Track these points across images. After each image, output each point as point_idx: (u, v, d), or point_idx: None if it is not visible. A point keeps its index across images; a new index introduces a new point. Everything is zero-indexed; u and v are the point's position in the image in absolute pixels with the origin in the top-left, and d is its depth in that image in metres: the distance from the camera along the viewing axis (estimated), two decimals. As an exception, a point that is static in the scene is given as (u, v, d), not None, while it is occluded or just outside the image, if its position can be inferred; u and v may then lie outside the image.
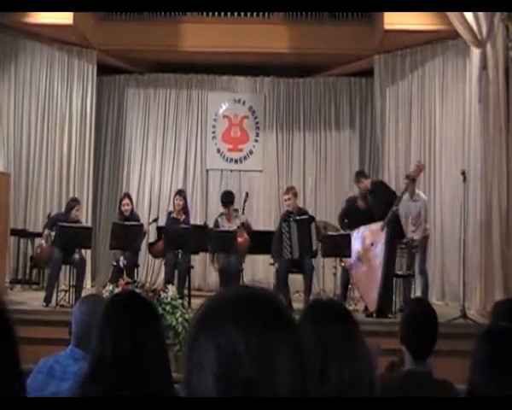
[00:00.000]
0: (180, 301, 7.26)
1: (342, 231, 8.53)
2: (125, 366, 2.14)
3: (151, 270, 11.11)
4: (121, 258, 8.55)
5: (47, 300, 8.10)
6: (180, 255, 8.71)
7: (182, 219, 9.17)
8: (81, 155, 10.87)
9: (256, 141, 11.80)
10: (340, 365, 1.71)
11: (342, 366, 1.71)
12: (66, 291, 8.45)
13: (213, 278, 10.55)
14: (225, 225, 9.05)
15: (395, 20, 9.47)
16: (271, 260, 9.17)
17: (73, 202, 8.86)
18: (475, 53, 8.71)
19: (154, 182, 11.70)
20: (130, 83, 11.93)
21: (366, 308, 8.07)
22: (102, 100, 11.75)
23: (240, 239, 8.68)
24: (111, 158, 11.81)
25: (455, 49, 9.87)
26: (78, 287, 8.25)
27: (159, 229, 9.29)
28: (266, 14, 10.59)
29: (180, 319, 6.95)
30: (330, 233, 8.70)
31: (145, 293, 6.73)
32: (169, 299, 7.12)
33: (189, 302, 8.20)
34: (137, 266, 9.16)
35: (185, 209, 9.31)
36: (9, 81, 10.44)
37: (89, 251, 9.74)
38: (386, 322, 7.46)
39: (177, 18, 10.71)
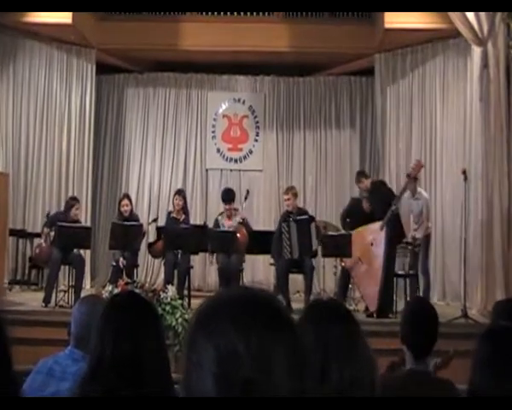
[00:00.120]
0: (180, 301, 7.27)
1: (343, 231, 8.52)
2: (124, 367, 2.14)
3: (150, 270, 11.10)
4: (121, 258, 8.54)
5: (46, 300, 8.09)
6: (179, 255, 8.69)
7: (182, 219, 9.16)
8: (80, 155, 10.85)
9: (256, 140, 11.77)
10: (340, 365, 1.70)
11: (343, 366, 1.70)
12: (65, 292, 8.44)
13: (213, 278, 10.54)
14: (225, 224, 9.04)
15: (395, 19, 9.45)
16: (271, 261, 9.17)
17: (73, 201, 8.84)
18: (476, 51, 8.70)
19: (153, 182, 11.68)
20: (129, 82, 11.90)
21: (367, 308, 8.06)
22: (102, 99, 11.73)
23: (239, 235, 8.67)
24: (110, 158, 11.78)
25: (456, 47, 9.85)
26: (78, 287, 8.23)
27: (158, 229, 9.28)
28: (266, 13, 10.57)
29: (180, 320, 6.94)
30: (331, 233, 8.68)
31: (145, 293, 6.72)
32: (169, 299, 7.12)
33: (189, 303, 8.19)
34: (137, 266, 9.15)
35: (185, 209, 9.30)
36: (8, 81, 10.42)
37: (88, 251, 9.73)
38: (387, 322, 7.44)
39: (176, 17, 10.69)
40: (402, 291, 8.57)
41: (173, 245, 8.67)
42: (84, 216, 10.23)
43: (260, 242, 9.06)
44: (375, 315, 7.79)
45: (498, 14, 8.30)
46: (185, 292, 8.50)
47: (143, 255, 10.27)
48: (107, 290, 7.19)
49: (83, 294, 7.43)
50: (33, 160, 10.60)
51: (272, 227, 9.69)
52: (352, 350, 1.74)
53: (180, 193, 9.41)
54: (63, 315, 6.94)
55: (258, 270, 11.02)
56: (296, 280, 9.19)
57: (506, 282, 8.14)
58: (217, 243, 8.66)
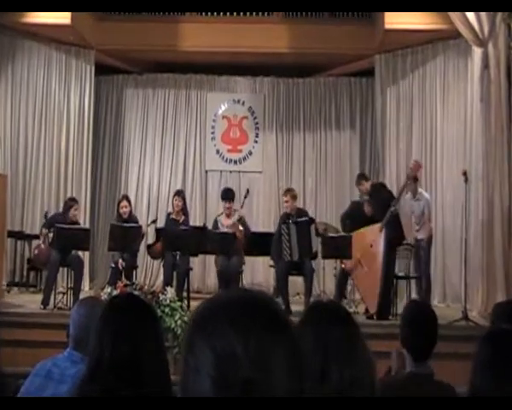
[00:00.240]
0: (179, 303, 7.26)
1: (342, 233, 8.51)
2: (123, 369, 2.13)
3: (150, 272, 11.08)
4: (120, 260, 8.51)
5: (44, 302, 8.06)
6: (178, 257, 8.66)
7: (181, 220, 9.13)
8: (79, 156, 10.83)
9: (255, 142, 11.76)
10: (340, 367, 1.70)
11: (343, 368, 1.70)
12: (63, 293, 8.40)
13: (212, 280, 10.51)
14: (224, 223, 9.02)
15: (396, 20, 9.44)
16: (271, 262, 9.15)
17: (71, 202, 8.80)
18: (477, 52, 8.69)
19: (152, 183, 11.66)
20: (128, 83, 11.89)
21: (367, 310, 8.06)
22: (100, 100, 11.72)
23: (236, 233, 8.68)
24: (109, 159, 11.77)
25: (456, 48, 9.84)
26: (76, 289, 8.21)
27: (157, 230, 9.26)
28: (266, 13, 10.56)
29: (179, 322, 6.93)
30: (331, 235, 8.67)
31: (144, 295, 6.72)
32: (168, 301, 7.12)
33: (188, 305, 8.16)
34: (136, 267, 9.12)
35: (184, 210, 9.27)
36: (7, 81, 10.40)
37: (87, 253, 9.71)
38: (387, 324, 7.42)
39: (175, 18, 10.67)
40: (403, 293, 8.56)
41: (172, 247, 8.63)
42: (82, 217, 10.21)
43: (260, 243, 9.06)
44: (375, 317, 7.78)
45: (499, 15, 8.30)
46: (184, 294, 8.47)
47: (142, 257, 10.25)
48: (106, 292, 7.19)
49: (81, 296, 7.43)
50: (32, 161, 10.58)
51: (272, 229, 9.67)
52: (352, 352, 1.74)
53: (179, 194, 9.39)
54: (62, 317, 6.92)
55: (258, 272, 11.01)
56: (296, 282, 9.17)
57: (507, 283, 8.13)
58: (216, 245, 8.64)
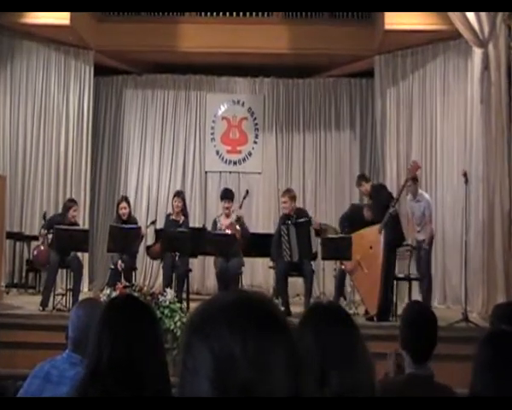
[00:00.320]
0: (178, 304, 7.25)
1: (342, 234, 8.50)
2: (122, 371, 2.12)
3: (149, 273, 11.07)
4: (119, 261, 8.49)
5: (43, 304, 8.04)
6: (178, 258, 8.63)
7: (181, 221, 9.11)
8: (78, 157, 10.82)
9: (255, 142, 11.75)
10: (340, 368, 1.70)
11: (342, 369, 1.70)
12: (62, 295, 8.40)
13: (212, 281, 10.48)
14: (223, 223, 9.00)
15: (395, 20, 9.43)
16: (271, 264, 9.14)
17: (70, 203, 8.79)
18: (477, 53, 8.69)
19: (151, 184, 11.65)
20: (127, 84, 11.88)
21: (367, 312, 8.04)
22: (100, 101, 11.71)
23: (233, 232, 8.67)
24: (108, 160, 11.75)
25: (456, 49, 9.84)
26: (75, 291, 8.18)
27: (157, 231, 9.24)
28: (265, 14, 10.55)
29: (178, 323, 6.93)
30: (330, 236, 8.64)
31: (143, 296, 6.71)
32: (167, 302, 7.11)
33: (188, 306, 8.14)
34: (135, 269, 9.12)
35: (184, 211, 9.25)
36: (5, 82, 10.39)
37: (86, 254, 9.70)
38: (387, 326, 7.40)
39: (175, 18, 10.67)
40: (403, 294, 8.54)
41: (171, 248, 8.60)
42: (81, 219, 10.18)
43: (259, 244, 9.05)
44: (375, 318, 7.76)
45: (499, 15, 8.29)
46: (184, 295, 8.45)
47: (142, 258, 10.24)
48: (106, 294, 7.19)
49: (81, 297, 7.40)
50: (31, 162, 10.57)
51: (271, 230, 9.65)
52: (352, 354, 1.74)
53: (179, 195, 9.37)
54: (61, 319, 6.91)
55: (258, 273, 10.99)
56: (296, 283, 9.16)
57: (507, 285, 8.13)
58: (215, 247, 8.63)
